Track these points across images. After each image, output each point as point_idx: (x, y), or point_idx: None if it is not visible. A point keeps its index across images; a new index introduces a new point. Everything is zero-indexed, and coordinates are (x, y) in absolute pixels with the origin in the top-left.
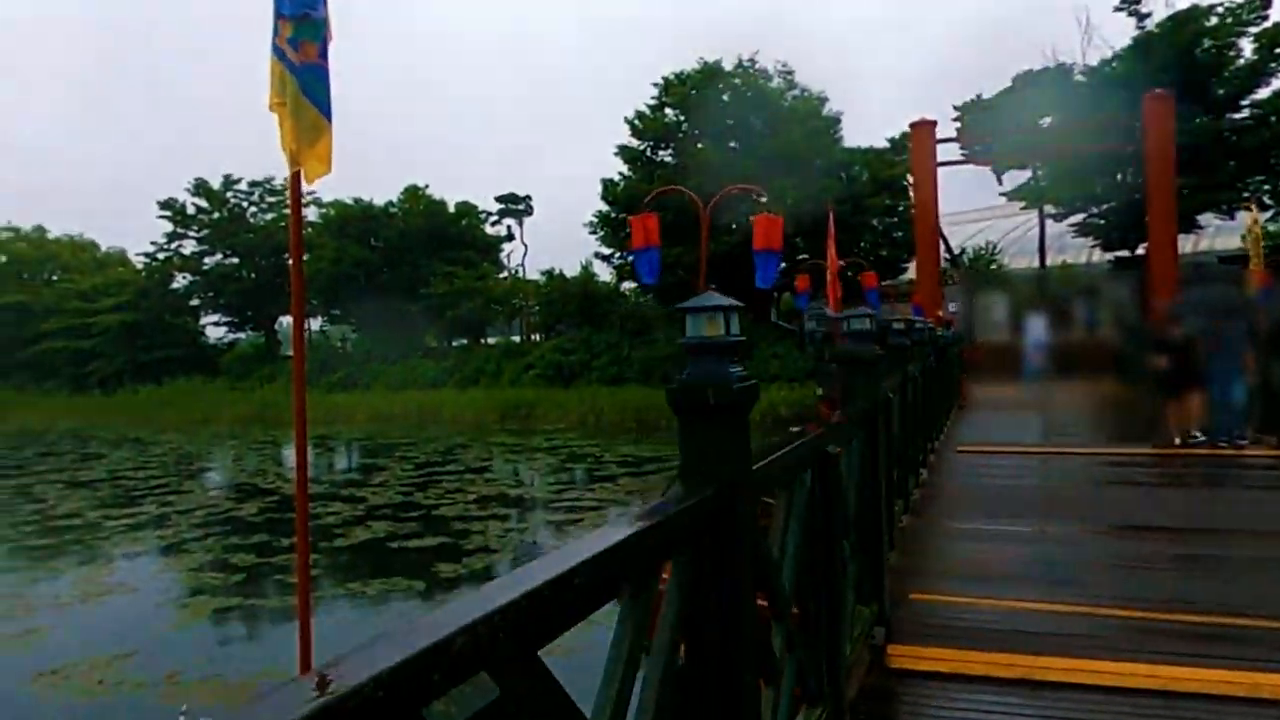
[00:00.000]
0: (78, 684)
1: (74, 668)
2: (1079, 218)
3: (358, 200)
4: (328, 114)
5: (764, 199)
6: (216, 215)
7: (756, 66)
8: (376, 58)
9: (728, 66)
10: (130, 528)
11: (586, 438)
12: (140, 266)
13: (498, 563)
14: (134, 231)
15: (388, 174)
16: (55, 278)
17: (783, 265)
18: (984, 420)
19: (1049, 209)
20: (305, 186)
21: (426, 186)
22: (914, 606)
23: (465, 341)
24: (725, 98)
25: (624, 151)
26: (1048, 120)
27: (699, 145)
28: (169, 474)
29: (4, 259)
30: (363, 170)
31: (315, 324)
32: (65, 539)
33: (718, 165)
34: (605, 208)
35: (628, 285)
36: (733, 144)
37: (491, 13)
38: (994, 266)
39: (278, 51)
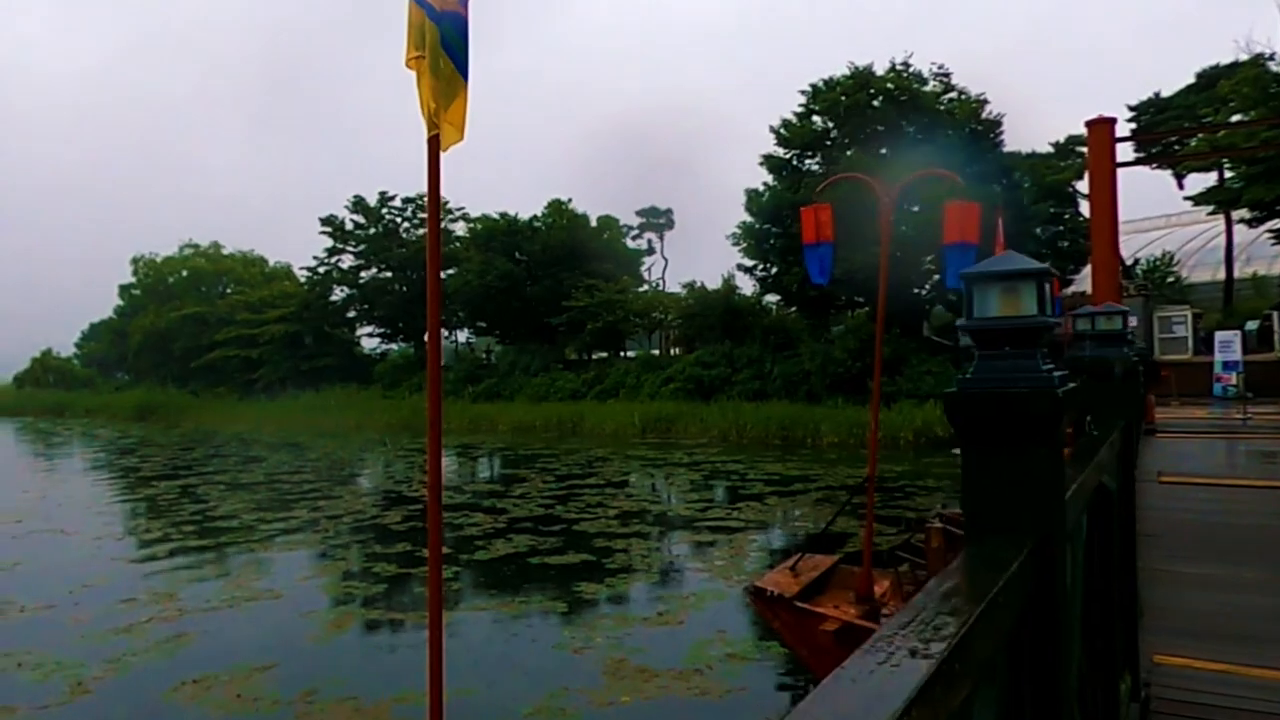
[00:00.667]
0: (217, 696)
1: (215, 678)
2: (1278, 223)
3: (503, 215)
4: (464, 71)
5: (960, 183)
6: (372, 231)
7: (910, 70)
8: (520, 72)
9: (879, 71)
10: (283, 532)
11: (729, 453)
12: (303, 280)
13: (640, 585)
14: (300, 247)
15: (532, 189)
16: (228, 290)
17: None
18: (1179, 446)
19: (1240, 214)
20: (453, 197)
21: (569, 201)
22: (1162, 674)
23: (605, 354)
24: (876, 103)
25: (769, 161)
26: (1238, 117)
27: (848, 153)
28: (321, 479)
29: (185, 274)
30: (508, 186)
31: (461, 336)
32: (221, 540)
33: (868, 173)
34: (749, 219)
35: (770, 298)
36: (883, 150)
37: (633, 23)
38: (1170, 280)
39: None
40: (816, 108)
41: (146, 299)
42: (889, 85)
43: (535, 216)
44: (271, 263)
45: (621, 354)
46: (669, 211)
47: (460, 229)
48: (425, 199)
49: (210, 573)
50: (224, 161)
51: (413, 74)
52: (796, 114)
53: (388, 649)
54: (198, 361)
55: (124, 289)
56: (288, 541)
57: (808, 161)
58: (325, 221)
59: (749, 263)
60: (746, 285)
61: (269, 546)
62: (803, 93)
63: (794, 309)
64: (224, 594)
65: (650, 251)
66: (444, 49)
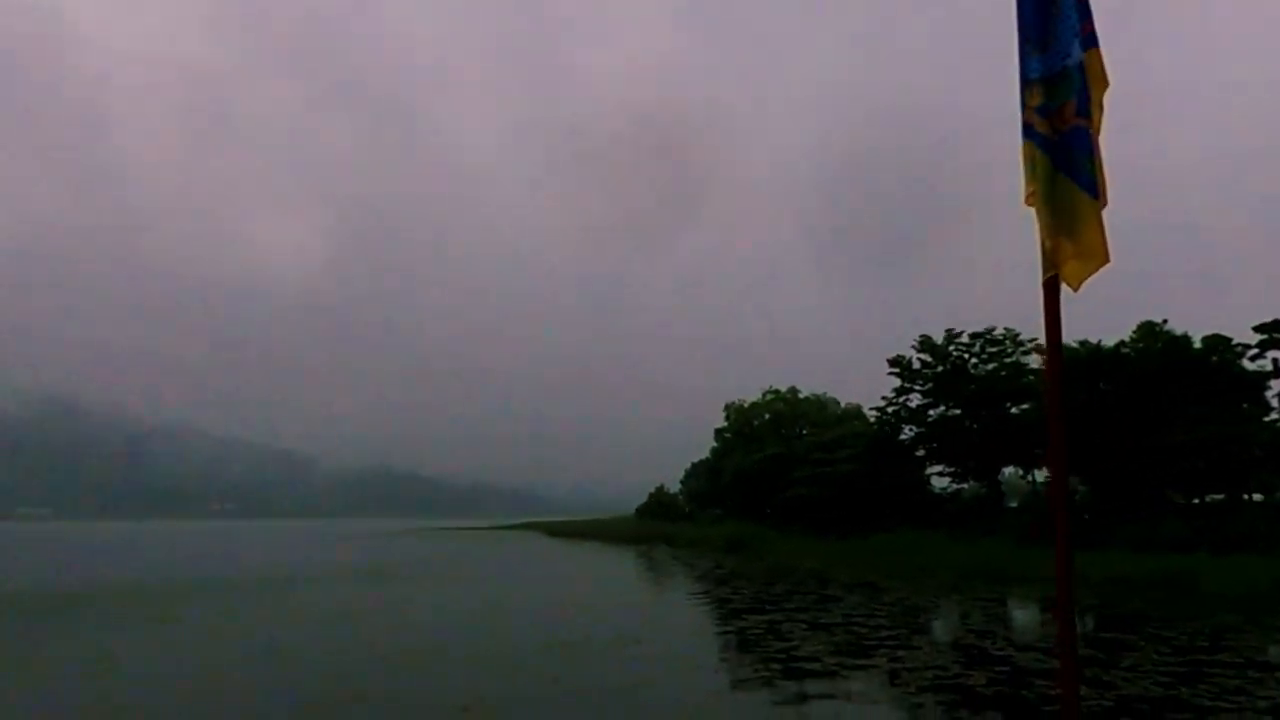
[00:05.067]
0: None
1: None
2: None
3: (1083, 343)
4: (1093, 189)
5: None
6: (939, 369)
7: None
8: None
9: None
10: (864, 681)
11: None
12: (872, 420)
13: None
14: (869, 388)
15: (1115, 311)
16: (804, 432)
17: None
18: None
19: None
20: (1024, 327)
21: (1164, 321)
22: None
23: (1221, 497)
24: None
25: None
26: None
27: None
28: (897, 625)
29: (767, 417)
30: (1088, 310)
31: (1038, 475)
32: (804, 682)
33: None
34: None
35: None
36: None
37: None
38: None
39: (1026, 129)
40: None
41: (736, 440)
42: None
43: (1122, 342)
44: (842, 404)
45: (1247, 496)
46: None
47: (1034, 361)
48: (991, 333)
49: None
50: (803, 306)
51: (1030, 211)
52: None
53: None
54: (777, 498)
55: (718, 432)
56: (869, 693)
57: None
58: (893, 362)
59: None
60: None
61: (850, 696)
62: None
63: None
64: None
65: (1276, 374)
66: (1064, 173)
